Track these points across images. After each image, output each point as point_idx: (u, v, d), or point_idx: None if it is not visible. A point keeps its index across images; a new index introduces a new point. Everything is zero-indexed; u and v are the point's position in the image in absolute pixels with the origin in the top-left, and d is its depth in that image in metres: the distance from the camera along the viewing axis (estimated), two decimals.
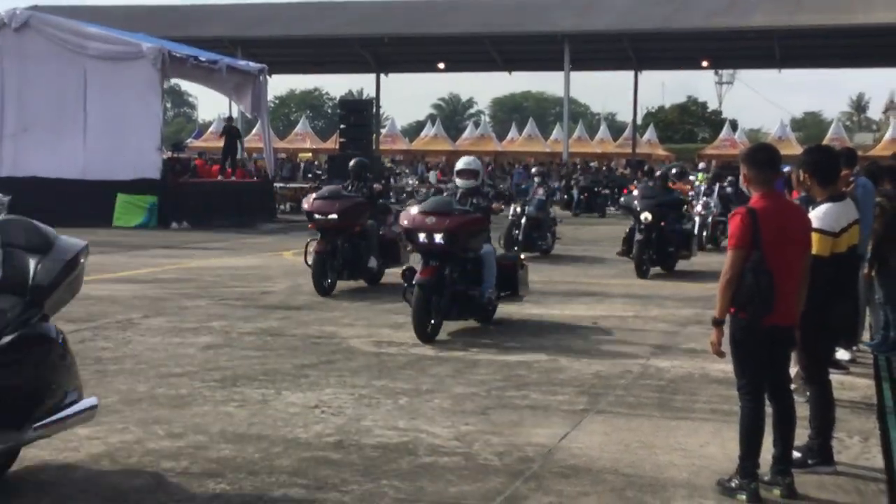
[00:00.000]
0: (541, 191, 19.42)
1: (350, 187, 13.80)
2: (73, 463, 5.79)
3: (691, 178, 32.64)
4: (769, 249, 5.22)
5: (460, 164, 11.19)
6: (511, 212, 18.00)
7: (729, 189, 24.54)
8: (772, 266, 5.21)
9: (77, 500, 5.15)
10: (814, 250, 5.58)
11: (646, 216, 15.17)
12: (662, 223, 15.43)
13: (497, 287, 10.39)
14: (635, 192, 16.77)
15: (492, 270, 10.27)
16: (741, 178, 5.77)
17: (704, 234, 20.19)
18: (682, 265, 16.42)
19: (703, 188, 22.50)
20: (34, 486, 5.37)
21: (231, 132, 30.04)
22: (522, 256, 12.17)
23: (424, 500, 5.26)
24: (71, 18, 27.67)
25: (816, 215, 5.78)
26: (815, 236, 5.64)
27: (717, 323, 5.38)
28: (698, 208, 20.48)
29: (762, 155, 5.50)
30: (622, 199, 18.48)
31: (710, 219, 20.51)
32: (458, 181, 10.85)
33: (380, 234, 13.52)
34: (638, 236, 15.18)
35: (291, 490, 5.37)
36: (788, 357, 5.65)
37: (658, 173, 19.70)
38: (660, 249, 15.42)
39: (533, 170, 23.65)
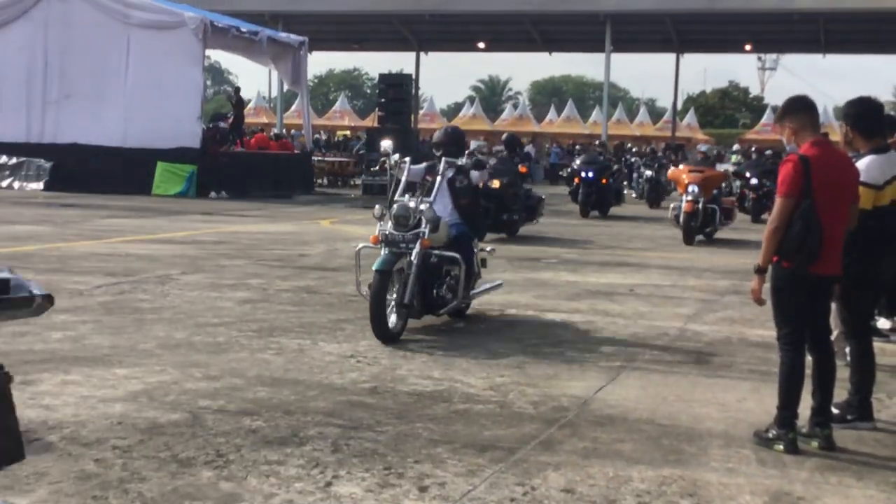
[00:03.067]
0: None
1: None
2: (111, 398, 5.84)
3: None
4: (820, 198, 5.15)
5: None
6: None
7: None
8: (821, 215, 5.14)
9: (114, 432, 5.18)
10: None
11: None
12: None
13: None
14: None
15: None
16: (786, 136, 5.65)
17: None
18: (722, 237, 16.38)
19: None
20: (72, 416, 5.42)
21: (240, 103, 30.08)
22: None
23: (458, 441, 5.25)
24: None
25: (860, 167, 5.67)
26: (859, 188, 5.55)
27: (760, 271, 5.31)
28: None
29: (797, 103, 5.43)
30: None
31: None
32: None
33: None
34: None
35: (326, 429, 5.38)
36: (829, 307, 5.58)
37: None
38: None
39: None
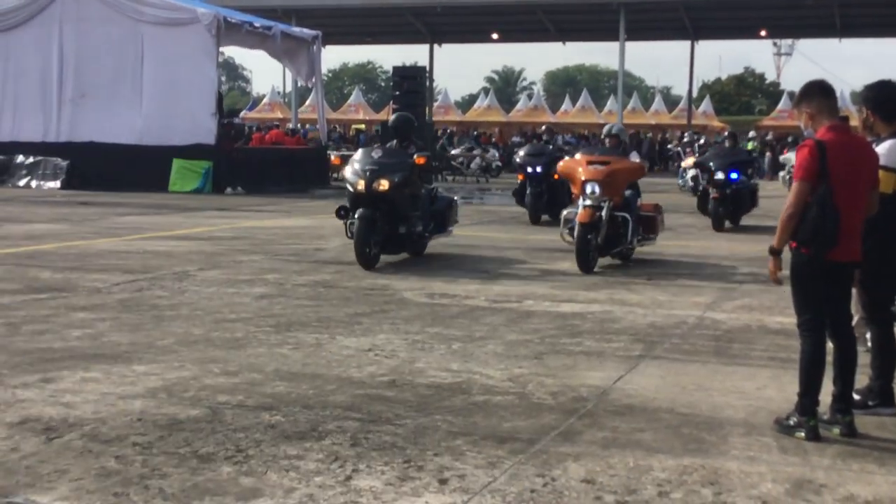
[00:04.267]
0: None
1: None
2: (130, 395, 5.86)
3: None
4: (837, 183, 5.11)
5: None
6: None
7: None
8: (838, 201, 5.10)
9: (134, 429, 5.19)
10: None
11: None
12: None
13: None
14: None
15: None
16: (803, 121, 5.62)
17: None
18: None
19: None
20: (93, 413, 5.44)
21: (220, 98, 30.09)
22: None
23: (477, 433, 5.24)
24: None
25: (880, 151, 5.62)
26: (879, 173, 5.50)
27: (774, 252, 5.28)
28: None
29: (814, 87, 5.40)
30: None
31: None
32: None
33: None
34: None
35: (345, 423, 5.38)
36: (850, 294, 5.54)
37: None
38: None
39: None
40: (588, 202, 11.37)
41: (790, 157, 26.92)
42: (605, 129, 13.47)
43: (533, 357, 7.06)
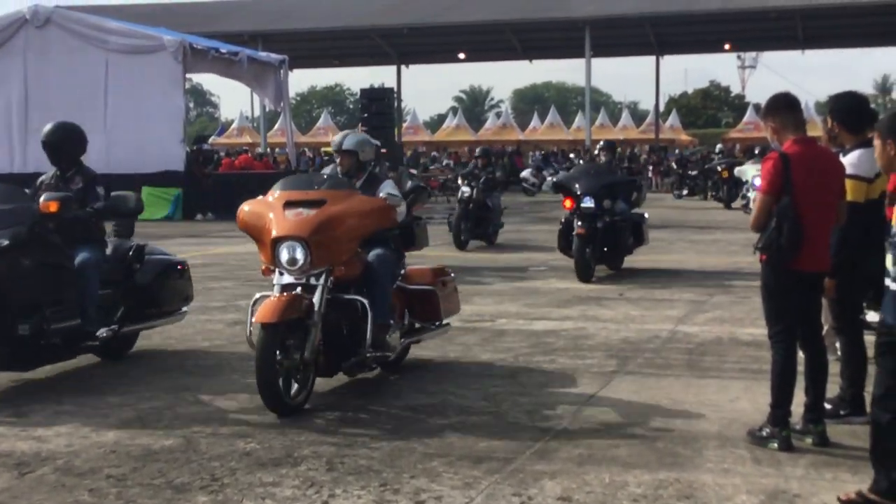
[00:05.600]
0: None
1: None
2: (104, 427, 5.82)
3: None
4: (801, 196, 5.17)
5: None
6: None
7: None
8: (803, 212, 5.16)
9: (108, 461, 5.16)
10: (849, 197, 5.51)
11: None
12: None
13: None
14: None
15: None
16: (769, 135, 5.68)
17: None
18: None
19: None
20: (66, 446, 5.40)
21: None
22: None
23: (453, 454, 5.24)
24: None
25: (850, 162, 5.68)
26: (849, 183, 5.56)
27: None
28: None
29: (779, 102, 5.46)
30: None
31: None
32: None
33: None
34: None
35: (320, 448, 5.37)
36: (820, 304, 5.59)
37: None
38: None
39: None
40: (285, 280, 6.37)
41: (746, 169, 22.69)
42: (333, 141, 7.68)
43: (507, 376, 7.07)
